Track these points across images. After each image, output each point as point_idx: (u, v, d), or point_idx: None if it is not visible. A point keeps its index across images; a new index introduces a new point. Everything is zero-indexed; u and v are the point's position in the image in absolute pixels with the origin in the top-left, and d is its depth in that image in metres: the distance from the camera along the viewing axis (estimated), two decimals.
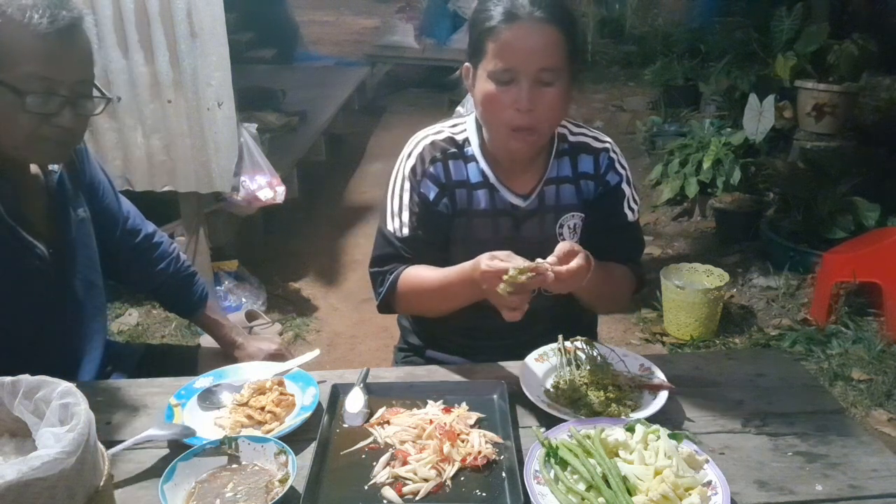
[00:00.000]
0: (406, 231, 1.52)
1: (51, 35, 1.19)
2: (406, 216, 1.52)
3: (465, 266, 1.36)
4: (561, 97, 1.40)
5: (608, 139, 1.61)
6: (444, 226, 1.55)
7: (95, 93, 1.31)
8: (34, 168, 1.39)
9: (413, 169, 1.53)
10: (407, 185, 1.53)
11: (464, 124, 1.57)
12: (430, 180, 1.52)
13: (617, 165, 1.58)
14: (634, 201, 1.61)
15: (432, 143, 1.54)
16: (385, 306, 1.56)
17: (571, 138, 1.58)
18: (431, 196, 1.52)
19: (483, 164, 1.53)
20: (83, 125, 1.32)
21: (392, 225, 1.53)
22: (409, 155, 1.55)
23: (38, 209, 1.39)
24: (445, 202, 1.53)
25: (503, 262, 1.27)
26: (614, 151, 1.60)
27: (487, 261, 1.29)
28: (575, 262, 1.32)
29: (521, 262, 1.26)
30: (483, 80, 1.39)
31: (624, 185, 1.59)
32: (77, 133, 1.32)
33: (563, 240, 1.56)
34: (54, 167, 1.41)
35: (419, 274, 1.50)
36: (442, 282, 1.44)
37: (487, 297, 1.32)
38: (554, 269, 1.29)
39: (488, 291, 1.29)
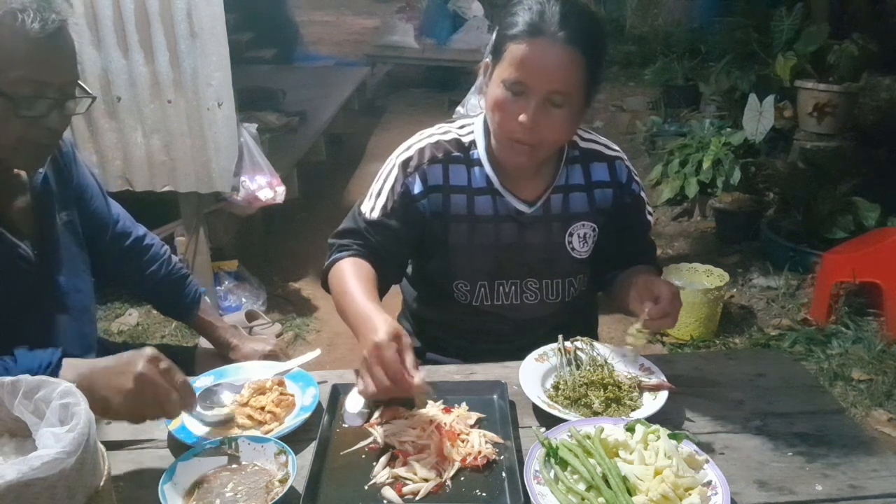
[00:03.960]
0: (376, 215, 1.50)
1: (41, 39, 1.19)
2: (382, 201, 1.50)
3: (370, 317, 1.26)
4: (568, 119, 1.38)
5: (617, 147, 1.62)
6: (416, 224, 1.51)
7: (79, 91, 1.31)
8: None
9: (407, 161, 1.51)
10: (395, 174, 1.51)
11: (471, 126, 1.55)
12: (419, 177, 1.49)
13: (633, 174, 1.60)
14: (649, 206, 1.64)
15: (436, 143, 1.52)
16: (324, 277, 1.52)
17: (582, 144, 1.57)
18: (415, 191, 1.50)
19: (488, 169, 1.51)
20: (66, 125, 1.32)
21: (366, 205, 1.52)
22: (409, 147, 1.53)
23: (22, 209, 1.39)
24: (425, 203, 1.50)
25: (393, 362, 1.17)
26: (627, 160, 1.61)
27: (380, 344, 1.18)
28: (667, 293, 1.36)
29: (411, 360, 1.19)
30: (496, 83, 1.37)
31: (642, 193, 1.61)
32: (60, 133, 1.32)
33: (573, 249, 1.56)
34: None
35: (346, 275, 1.43)
36: (347, 302, 1.37)
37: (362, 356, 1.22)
38: (650, 313, 1.34)
39: (365, 358, 1.20)
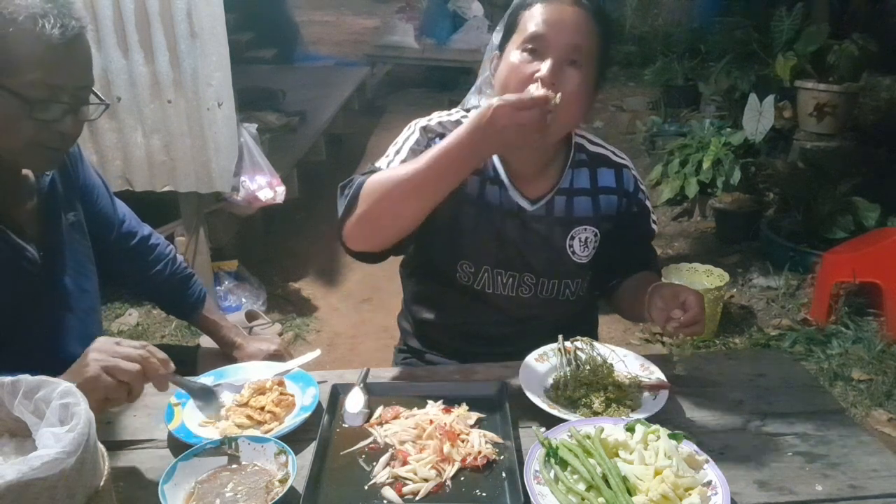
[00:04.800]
0: (393, 165, 1.45)
1: (60, 44, 1.20)
2: (400, 157, 1.47)
3: (466, 123, 1.24)
4: (584, 84, 1.38)
5: (625, 155, 1.63)
6: None
7: (93, 98, 1.32)
8: (25, 170, 1.39)
9: (428, 127, 1.51)
10: (416, 136, 1.50)
11: None
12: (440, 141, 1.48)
13: (640, 184, 1.61)
14: (653, 214, 1.65)
15: (456, 122, 1.53)
16: (346, 214, 1.37)
17: (591, 148, 1.58)
18: None
19: (496, 161, 1.52)
20: (80, 130, 1.33)
21: (382, 161, 1.48)
22: (430, 119, 1.54)
23: (29, 212, 1.39)
24: None
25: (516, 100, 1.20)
26: (634, 169, 1.62)
27: (499, 103, 1.19)
28: (694, 301, 1.35)
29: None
30: (511, 53, 1.39)
31: (647, 203, 1.62)
32: (73, 138, 1.33)
33: (574, 253, 1.56)
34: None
35: (395, 168, 1.35)
36: (440, 145, 1.27)
37: (498, 141, 1.22)
38: (683, 320, 1.33)
39: (505, 130, 1.19)
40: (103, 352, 1.17)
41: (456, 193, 1.49)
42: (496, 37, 3.04)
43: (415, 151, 1.47)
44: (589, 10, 1.38)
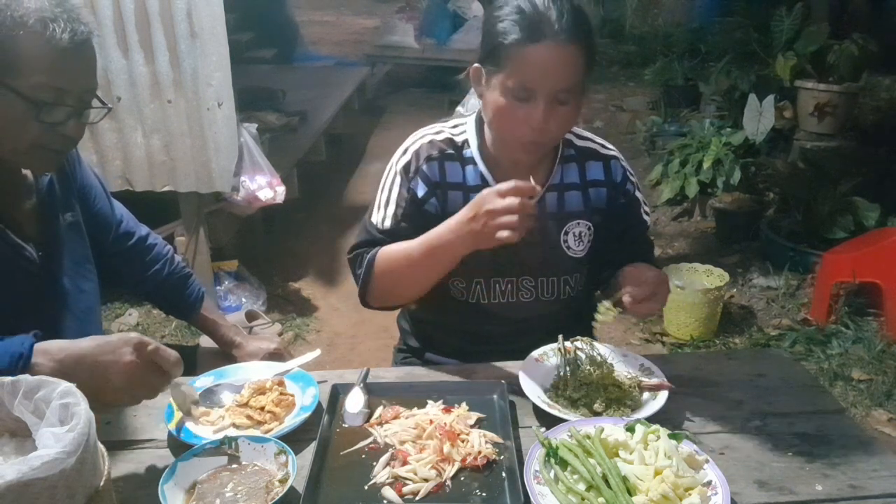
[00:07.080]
0: (389, 223, 1.50)
1: (68, 49, 1.21)
2: (391, 210, 1.51)
3: (457, 215, 1.34)
4: (574, 113, 1.40)
5: (613, 147, 1.62)
6: (429, 225, 1.48)
7: (96, 102, 1.33)
8: (24, 170, 1.40)
9: (406, 166, 1.52)
10: (398, 181, 1.52)
11: (464, 125, 1.56)
12: (421, 178, 1.51)
13: (629, 174, 1.60)
14: (646, 206, 1.64)
15: (430, 142, 1.53)
16: (363, 288, 1.51)
17: (578, 143, 1.58)
18: (420, 194, 1.51)
19: (482, 167, 1.52)
20: (82, 133, 1.33)
21: (376, 216, 1.52)
22: (405, 151, 1.54)
23: (27, 211, 1.40)
24: (434, 202, 1.51)
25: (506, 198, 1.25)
26: (623, 160, 1.61)
27: (491, 195, 1.27)
28: (652, 277, 1.36)
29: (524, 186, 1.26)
30: (497, 92, 1.37)
31: (637, 193, 1.62)
32: (76, 141, 1.33)
33: (569, 247, 1.56)
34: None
35: (398, 245, 1.45)
36: (427, 239, 1.38)
37: (479, 240, 1.30)
38: (633, 294, 1.34)
39: (485, 229, 1.27)
40: (139, 347, 1.17)
41: (441, 213, 1.50)
42: None
43: (403, 198, 1.50)
44: (575, 41, 1.32)
